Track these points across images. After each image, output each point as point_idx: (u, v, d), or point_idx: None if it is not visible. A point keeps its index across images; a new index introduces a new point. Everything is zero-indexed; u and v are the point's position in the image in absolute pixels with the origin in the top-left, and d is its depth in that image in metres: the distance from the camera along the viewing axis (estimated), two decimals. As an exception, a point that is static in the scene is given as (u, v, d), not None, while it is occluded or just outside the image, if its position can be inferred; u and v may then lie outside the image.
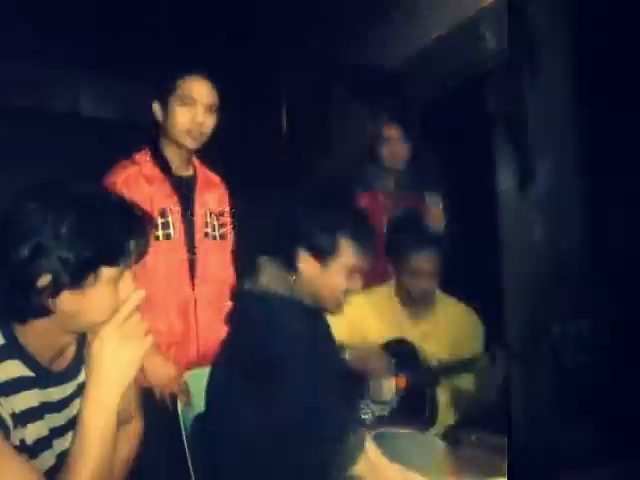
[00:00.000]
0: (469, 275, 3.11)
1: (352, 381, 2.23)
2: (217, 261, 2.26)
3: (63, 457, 1.24)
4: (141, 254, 1.28)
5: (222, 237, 2.30)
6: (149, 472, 1.73)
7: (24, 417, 1.22)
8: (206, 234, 2.24)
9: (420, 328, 2.35)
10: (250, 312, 1.83)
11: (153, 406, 1.99)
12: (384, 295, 2.39)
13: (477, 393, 2.23)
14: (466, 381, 2.27)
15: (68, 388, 1.35)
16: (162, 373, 2.05)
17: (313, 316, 1.88)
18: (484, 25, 2.74)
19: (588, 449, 2.32)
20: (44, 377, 1.28)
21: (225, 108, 2.22)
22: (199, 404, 1.93)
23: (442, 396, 2.32)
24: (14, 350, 1.23)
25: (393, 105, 3.34)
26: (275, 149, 4.89)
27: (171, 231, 2.15)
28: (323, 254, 1.79)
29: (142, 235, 1.26)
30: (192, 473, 1.84)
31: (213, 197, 2.30)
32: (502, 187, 2.96)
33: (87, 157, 2.83)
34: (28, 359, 1.25)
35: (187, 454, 1.86)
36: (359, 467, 1.81)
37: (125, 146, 2.23)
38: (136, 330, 1.22)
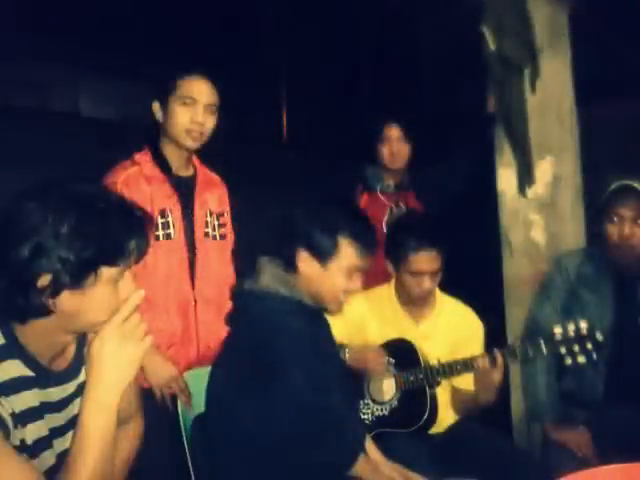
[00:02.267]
0: (469, 275, 3.11)
1: (352, 381, 2.23)
2: (217, 261, 2.26)
3: (63, 457, 1.24)
4: (141, 254, 1.28)
5: (222, 237, 2.30)
6: (149, 472, 1.73)
7: (24, 417, 1.22)
8: (206, 234, 2.24)
9: (420, 328, 2.35)
10: (250, 312, 1.83)
11: (153, 406, 1.99)
12: (384, 295, 2.39)
13: (477, 393, 2.23)
14: (466, 381, 2.27)
15: (68, 388, 1.35)
16: (162, 373, 2.05)
17: (313, 316, 1.88)
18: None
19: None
20: (44, 377, 1.28)
21: (225, 108, 2.22)
22: (199, 404, 1.93)
23: (442, 396, 2.32)
24: (14, 350, 1.23)
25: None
26: (275, 149, 4.89)
27: (171, 231, 2.15)
28: (323, 254, 1.79)
29: (142, 235, 1.26)
30: (192, 473, 1.84)
31: (213, 197, 2.30)
32: (502, 187, 2.97)
33: (87, 157, 2.82)
34: (28, 359, 1.25)
35: (187, 454, 1.87)
36: (359, 467, 1.81)
37: (125, 146, 2.23)
38: (136, 330, 1.22)
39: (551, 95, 2.87)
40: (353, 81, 5.40)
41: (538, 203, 2.90)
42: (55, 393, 1.31)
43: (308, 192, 1.95)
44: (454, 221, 2.77)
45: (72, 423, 1.27)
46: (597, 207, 2.37)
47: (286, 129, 5.19)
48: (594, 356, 2.15)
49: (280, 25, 4.95)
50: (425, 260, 2.20)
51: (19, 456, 1.17)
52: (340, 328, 2.15)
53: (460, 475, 1.96)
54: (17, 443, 1.19)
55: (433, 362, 2.26)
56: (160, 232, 2.13)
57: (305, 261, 1.81)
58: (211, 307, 2.21)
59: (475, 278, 3.18)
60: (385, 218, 2.92)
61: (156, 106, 2.18)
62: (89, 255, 1.18)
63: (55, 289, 1.18)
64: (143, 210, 1.30)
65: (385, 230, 2.78)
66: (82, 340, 1.36)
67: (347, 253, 1.79)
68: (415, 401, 2.26)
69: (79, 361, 1.37)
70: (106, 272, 1.21)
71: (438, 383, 2.27)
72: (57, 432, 1.31)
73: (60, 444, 1.31)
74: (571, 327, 2.16)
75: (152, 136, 2.23)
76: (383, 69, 5.20)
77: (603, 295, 2.36)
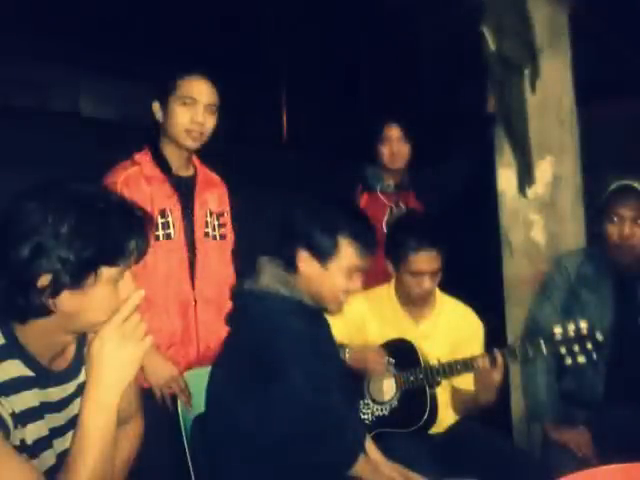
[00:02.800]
0: (469, 275, 3.11)
1: (352, 381, 2.23)
2: (217, 261, 2.26)
3: (63, 457, 1.24)
4: (141, 254, 1.28)
5: (222, 237, 2.30)
6: (149, 472, 1.73)
7: (24, 417, 1.22)
8: (206, 234, 2.24)
9: (420, 328, 2.35)
10: (250, 312, 1.83)
11: (153, 406, 1.99)
12: (384, 295, 2.39)
13: (477, 393, 2.23)
14: (466, 381, 2.27)
15: (68, 388, 1.35)
16: (162, 373, 2.05)
17: (313, 316, 1.88)
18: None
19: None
20: (44, 377, 1.28)
21: (225, 108, 2.22)
22: (199, 404, 1.93)
23: (442, 396, 2.32)
24: (14, 350, 1.23)
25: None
26: (275, 149, 4.89)
27: (171, 231, 2.15)
28: (323, 254, 1.79)
29: (142, 235, 1.26)
30: (192, 473, 1.84)
31: (213, 197, 2.30)
32: (502, 187, 2.97)
33: (87, 157, 2.83)
34: (28, 359, 1.25)
35: (187, 454, 1.87)
36: (359, 467, 1.81)
37: (125, 146, 2.23)
38: (136, 330, 1.22)
39: (551, 95, 2.87)
40: (353, 81, 5.40)
41: (538, 203, 2.90)
42: (55, 393, 1.31)
43: (308, 192, 1.95)
44: (454, 221, 2.77)
45: (72, 423, 1.27)
46: (597, 207, 2.37)
47: (286, 129, 5.19)
48: (594, 356, 2.15)
49: (280, 25, 4.95)
50: (425, 260, 2.20)
51: (19, 456, 1.17)
52: (340, 328, 2.15)
53: (460, 475, 1.96)
54: (17, 443, 1.19)
55: (433, 362, 2.26)
56: (160, 232, 2.13)
57: (305, 261, 1.81)
58: (211, 307, 2.21)
59: (475, 278, 3.18)
60: (385, 218, 2.92)
61: (156, 106, 2.18)
62: (89, 255, 1.18)
63: (55, 289, 1.18)
64: (143, 210, 1.30)
65: (385, 230, 2.78)
66: (82, 340, 1.36)
67: (347, 253, 1.79)
68: (415, 401, 2.26)
69: (79, 361, 1.37)
70: (106, 272, 1.22)
71: (438, 383, 2.27)
72: (57, 432, 1.31)
73: (60, 444, 1.31)
74: (571, 327, 2.16)
75: (152, 136, 2.23)
76: (383, 69, 5.20)
77: (603, 295, 2.36)
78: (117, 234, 1.22)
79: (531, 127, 2.85)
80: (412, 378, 2.26)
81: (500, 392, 2.24)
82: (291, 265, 1.82)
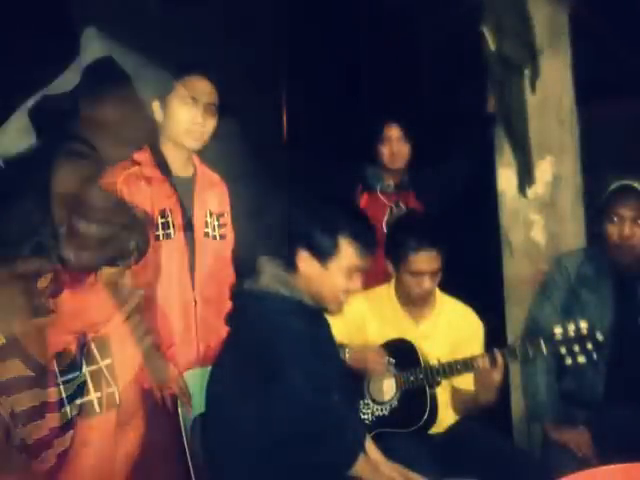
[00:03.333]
0: (469, 275, 3.11)
1: (352, 381, 2.23)
2: (217, 261, 2.26)
3: (64, 456, 1.25)
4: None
5: (222, 237, 2.30)
6: (149, 472, 1.73)
7: (24, 416, 1.22)
8: (206, 234, 2.24)
9: (420, 328, 2.35)
10: (250, 312, 1.83)
11: (153, 406, 1.99)
12: (384, 295, 2.39)
13: (477, 393, 2.23)
14: (466, 381, 2.27)
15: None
16: (162, 373, 2.05)
17: (313, 316, 1.88)
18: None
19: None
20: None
21: (225, 108, 2.22)
22: (199, 404, 1.93)
23: (442, 396, 2.32)
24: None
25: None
26: (275, 149, 4.89)
27: (171, 231, 2.15)
28: (323, 254, 1.79)
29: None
30: (192, 473, 1.84)
31: (213, 197, 2.30)
32: (502, 187, 2.97)
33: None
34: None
35: (187, 454, 1.87)
36: (359, 467, 1.81)
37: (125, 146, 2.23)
38: (136, 330, 1.23)
39: (551, 95, 2.87)
40: (353, 81, 5.40)
41: (538, 203, 2.90)
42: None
43: (308, 192, 1.95)
44: (454, 221, 2.76)
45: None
46: (597, 207, 2.38)
47: (286, 129, 5.19)
48: (594, 356, 2.15)
49: (280, 25, 4.95)
50: (425, 260, 2.20)
51: (19, 456, 1.17)
52: (340, 328, 2.15)
53: (460, 475, 1.96)
54: (17, 443, 1.19)
55: (433, 362, 2.26)
56: (160, 232, 2.13)
57: (305, 261, 1.81)
58: (211, 307, 2.21)
59: (475, 278, 3.18)
60: (385, 218, 2.92)
61: (156, 106, 2.19)
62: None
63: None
64: (143, 210, 1.30)
65: (385, 230, 2.79)
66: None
67: (347, 253, 1.79)
68: (415, 401, 2.26)
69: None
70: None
71: (438, 383, 2.27)
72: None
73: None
74: (571, 327, 2.16)
75: (152, 136, 2.23)
76: (383, 69, 5.20)
77: (603, 295, 2.36)
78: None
79: (531, 127, 2.85)
80: (412, 378, 2.26)
81: (500, 392, 2.24)
82: (291, 265, 1.82)
